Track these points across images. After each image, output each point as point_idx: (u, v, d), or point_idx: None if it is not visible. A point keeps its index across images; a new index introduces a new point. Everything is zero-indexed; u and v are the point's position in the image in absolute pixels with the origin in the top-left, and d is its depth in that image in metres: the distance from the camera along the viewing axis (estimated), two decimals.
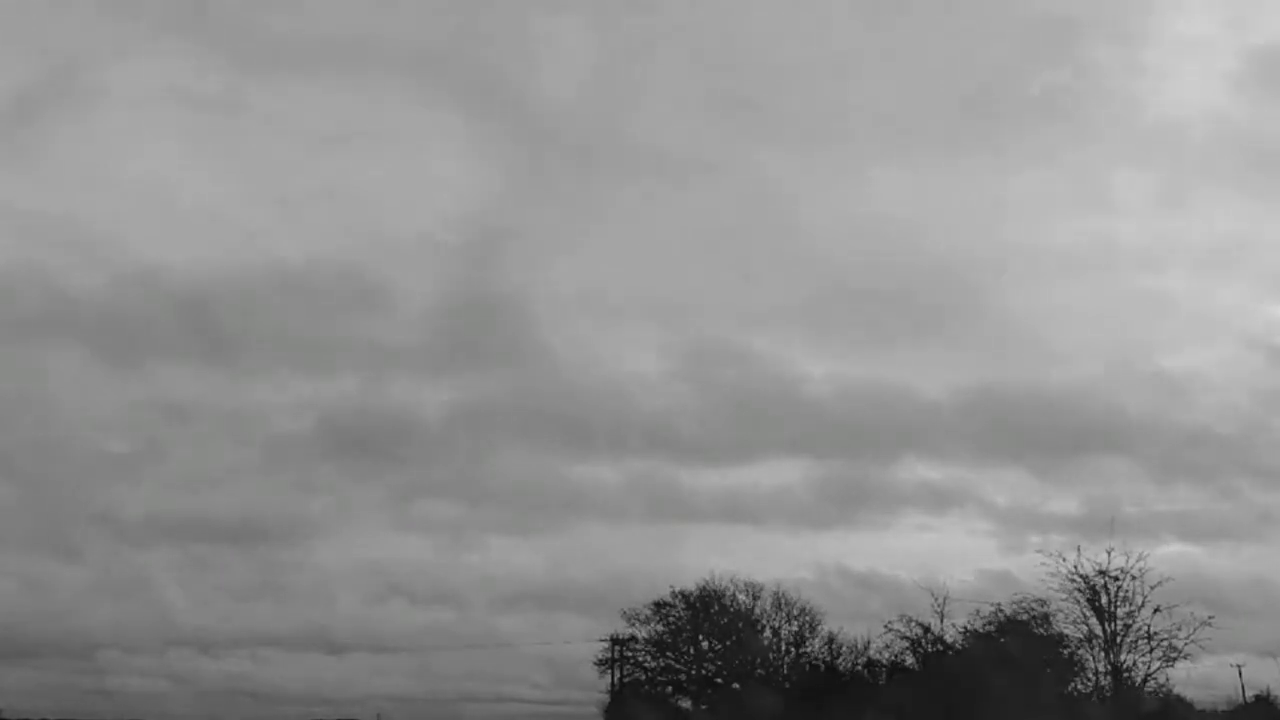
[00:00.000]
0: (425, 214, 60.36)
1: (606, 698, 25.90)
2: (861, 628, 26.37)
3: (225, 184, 57.14)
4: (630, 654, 26.26)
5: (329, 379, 46.20)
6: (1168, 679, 22.10)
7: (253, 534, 38.96)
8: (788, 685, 24.41)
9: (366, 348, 47.73)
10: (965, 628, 23.39)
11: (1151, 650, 21.93)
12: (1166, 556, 26.38)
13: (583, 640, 26.47)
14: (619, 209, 55.45)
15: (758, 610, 26.01)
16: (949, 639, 23.57)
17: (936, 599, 23.62)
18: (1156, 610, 21.72)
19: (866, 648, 25.05)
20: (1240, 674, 26.41)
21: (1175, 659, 21.67)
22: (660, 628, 26.16)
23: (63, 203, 56.00)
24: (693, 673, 25.88)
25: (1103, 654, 22.44)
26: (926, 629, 23.73)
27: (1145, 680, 22.09)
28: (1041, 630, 22.97)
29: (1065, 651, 22.80)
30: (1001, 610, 23.11)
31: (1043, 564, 22.62)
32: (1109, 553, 22.27)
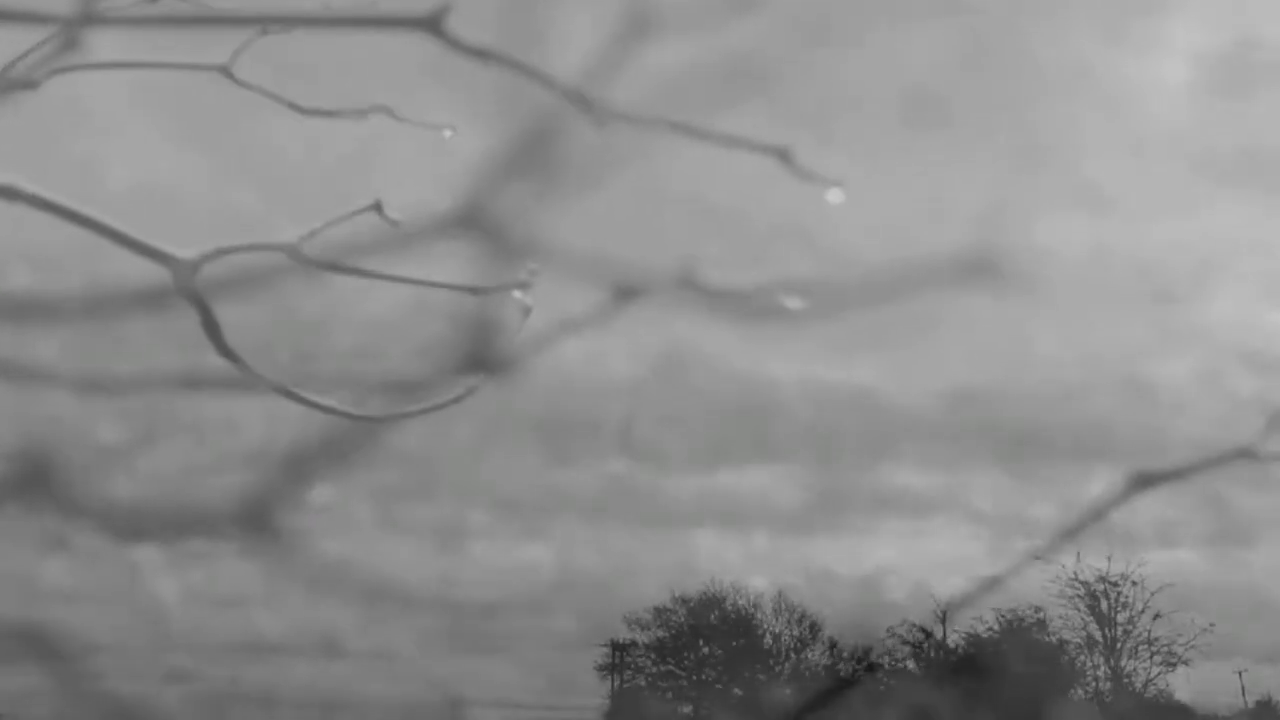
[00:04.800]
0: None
1: (607, 703, 25.85)
2: (856, 633, 26.39)
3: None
4: (631, 659, 26.21)
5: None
6: (1168, 685, 22.30)
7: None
8: None
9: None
10: (968, 631, 23.51)
11: (1152, 656, 22.12)
12: (1162, 562, 26.59)
13: (583, 645, 26.43)
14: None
15: (758, 616, 26.02)
16: (951, 644, 23.68)
17: (937, 603, 23.71)
18: (1157, 616, 21.90)
19: (867, 653, 25.08)
20: (1241, 679, 26.61)
21: (1175, 664, 21.88)
22: (661, 633, 26.12)
23: None
24: (694, 678, 25.85)
25: (1103, 660, 22.62)
26: (929, 633, 23.83)
27: (1146, 686, 22.29)
28: (1041, 636, 23.10)
29: (1065, 658, 22.96)
30: (1002, 615, 23.22)
31: (1041, 571, 22.72)
32: (1109, 559, 22.42)
